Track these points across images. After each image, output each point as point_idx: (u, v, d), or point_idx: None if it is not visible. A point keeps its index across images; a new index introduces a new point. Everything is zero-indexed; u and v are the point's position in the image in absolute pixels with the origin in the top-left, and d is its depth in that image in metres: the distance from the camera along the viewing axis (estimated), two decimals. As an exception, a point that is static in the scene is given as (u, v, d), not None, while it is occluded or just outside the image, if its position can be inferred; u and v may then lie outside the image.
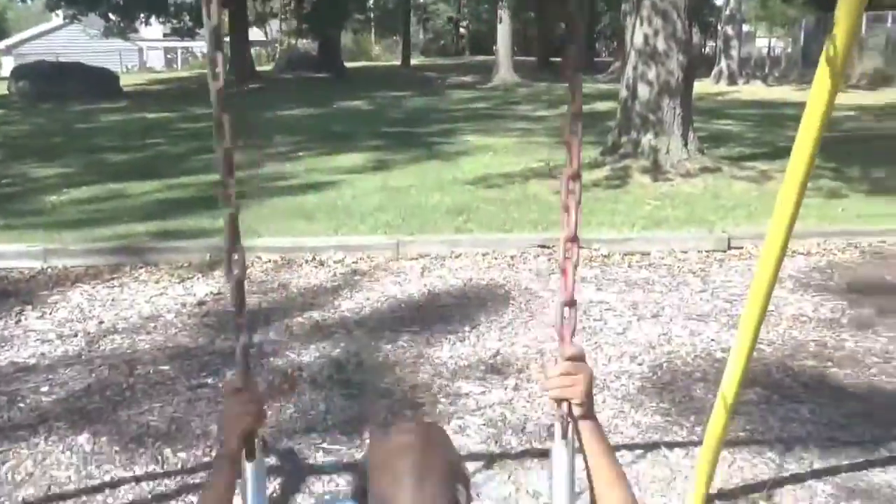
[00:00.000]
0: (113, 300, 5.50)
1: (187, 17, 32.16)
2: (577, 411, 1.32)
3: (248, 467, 1.28)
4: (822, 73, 2.23)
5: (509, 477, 3.32)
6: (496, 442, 3.59)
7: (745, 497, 3.15)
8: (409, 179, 9.38)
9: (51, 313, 5.25)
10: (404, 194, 8.55)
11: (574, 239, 1.29)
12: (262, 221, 7.09)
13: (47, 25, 53.48)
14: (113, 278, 5.96)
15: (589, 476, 1.37)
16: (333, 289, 5.72)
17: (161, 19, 32.77)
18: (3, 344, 4.74)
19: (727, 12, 29.56)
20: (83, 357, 4.54)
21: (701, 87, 26.71)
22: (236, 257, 1.21)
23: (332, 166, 10.35)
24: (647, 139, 9.44)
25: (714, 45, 33.96)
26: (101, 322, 5.09)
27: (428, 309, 5.33)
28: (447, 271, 6.09)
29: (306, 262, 6.26)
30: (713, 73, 29.05)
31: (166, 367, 4.37)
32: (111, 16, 29.81)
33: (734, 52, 28.60)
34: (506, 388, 4.12)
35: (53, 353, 4.60)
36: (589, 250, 6.56)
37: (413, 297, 5.55)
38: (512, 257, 6.43)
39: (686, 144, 9.50)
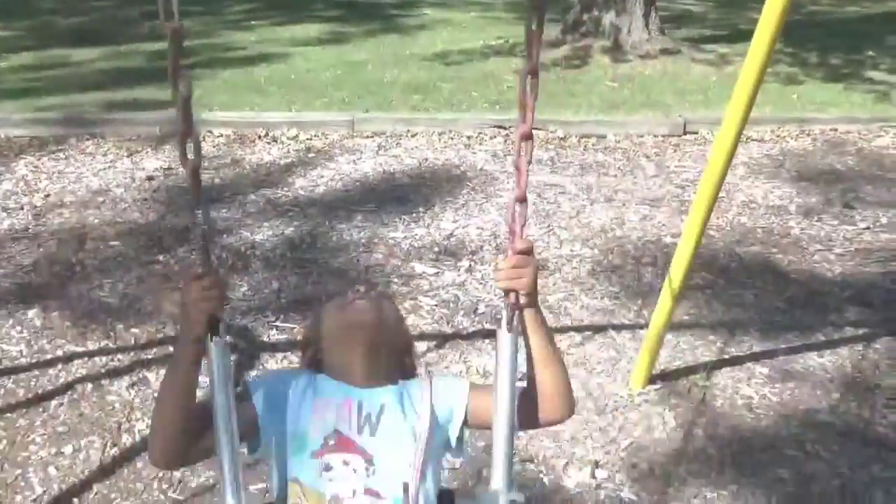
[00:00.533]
0: (59, 172, 5.36)
1: None
2: (523, 300, 1.38)
3: (214, 349, 1.28)
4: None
5: (460, 356, 3.40)
6: (448, 322, 3.66)
7: (686, 378, 3.27)
8: (365, 54, 9.12)
9: (-5, 184, 5.13)
10: (360, 69, 8.34)
11: (529, 136, 1.30)
12: (214, 94, 6.89)
13: None
14: (59, 150, 5.79)
15: (529, 358, 1.46)
16: (287, 166, 5.63)
17: None
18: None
19: None
20: (30, 231, 4.46)
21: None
22: (191, 143, 1.15)
23: (285, 37, 9.96)
24: (609, 17, 9.26)
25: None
26: (48, 195, 4.98)
27: (383, 188, 5.30)
28: (403, 150, 6.03)
29: (259, 137, 6.13)
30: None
31: (116, 243, 4.32)
32: None
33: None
34: (459, 270, 4.17)
35: (-1, 226, 4.52)
36: (545, 132, 6.52)
37: (368, 177, 5.50)
38: (468, 137, 6.37)
39: (647, 24, 9.35)
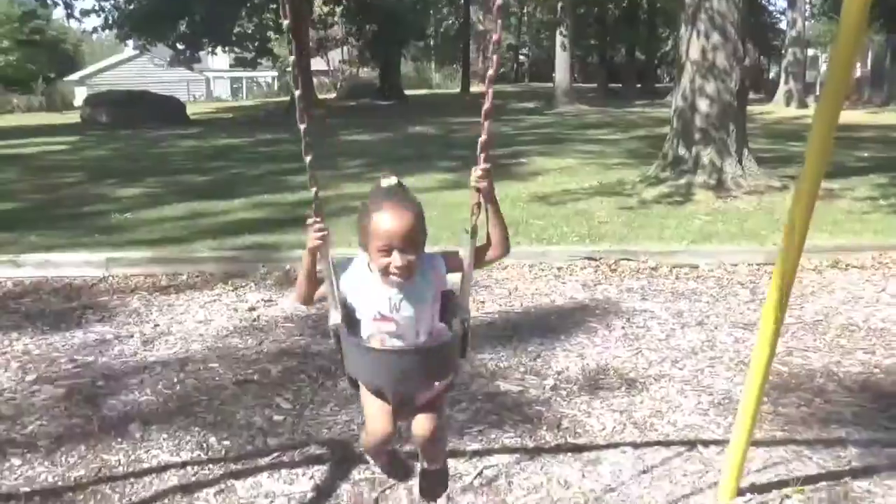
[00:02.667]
0: (169, 305, 5.71)
1: (250, 47, 33.06)
2: (485, 193, 2.28)
3: (328, 262, 2.32)
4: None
5: (541, 468, 3.36)
6: (531, 437, 3.64)
7: (778, 490, 3.13)
8: (463, 197, 9.50)
9: (110, 317, 5.49)
10: (457, 210, 8.66)
11: (493, 81, 2.25)
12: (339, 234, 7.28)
13: (118, 57, 55.64)
14: (171, 286, 6.19)
15: (489, 224, 2.34)
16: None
17: (226, 50, 33.76)
18: (64, 343, 4.96)
19: (793, 33, 29.24)
20: (137, 356, 4.73)
21: (769, 109, 26.50)
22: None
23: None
24: (708, 155, 9.41)
25: (778, 68, 33.49)
26: (157, 325, 5.30)
27: (474, 318, 5.40)
28: (493, 281, 6.16)
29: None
30: (779, 95, 28.74)
31: (215, 365, 4.53)
32: (178, 45, 30.82)
33: (800, 75, 28.22)
34: (544, 388, 4.17)
35: (110, 351, 4.81)
36: (637, 262, 6.57)
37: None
38: (559, 269, 6.47)
39: (740, 161, 9.45)
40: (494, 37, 2.16)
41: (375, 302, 2.33)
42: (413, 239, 2.21)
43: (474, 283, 6.17)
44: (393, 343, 2.36)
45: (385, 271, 2.24)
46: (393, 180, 2.32)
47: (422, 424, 2.51)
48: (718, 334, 5.00)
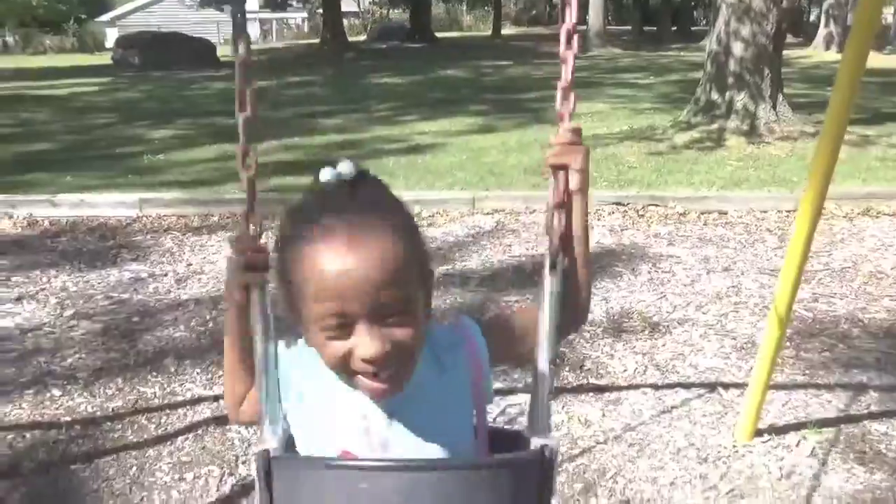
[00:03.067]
0: (201, 246, 5.83)
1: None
2: (573, 179, 1.24)
3: (257, 313, 1.22)
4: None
5: (562, 407, 3.44)
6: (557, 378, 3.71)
7: (796, 432, 3.18)
8: (492, 141, 9.49)
9: (144, 256, 5.61)
10: (483, 154, 8.68)
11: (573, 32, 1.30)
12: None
13: (148, -1, 55.46)
14: (202, 227, 6.30)
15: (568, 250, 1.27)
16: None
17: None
18: (101, 281, 5.10)
19: (833, -24, 28.42)
20: (171, 294, 4.86)
21: (807, 53, 25.92)
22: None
23: (435, 130, 10.58)
24: (741, 100, 9.27)
25: (819, 10, 32.62)
26: (190, 264, 5.42)
27: (499, 259, 5.46)
28: (521, 226, 6.19)
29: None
30: (819, 38, 28.09)
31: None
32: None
33: (841, 18, 27.49)
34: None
35: (145, 289, 4.94)
36: (664, 208, 6.56)
37: (486, 249, 5.68)
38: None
39: (775, 106, 9.31)
40: None
41: (341, 424, 1.23)
42: (396, 293, 1.09)
43: (500, 226, 6.22)
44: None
45: (344, 370, 1.14)
46: (347, 167, 1.20)
47: None
48: (744, 280, 5.01)
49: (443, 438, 1.22)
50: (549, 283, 1.21)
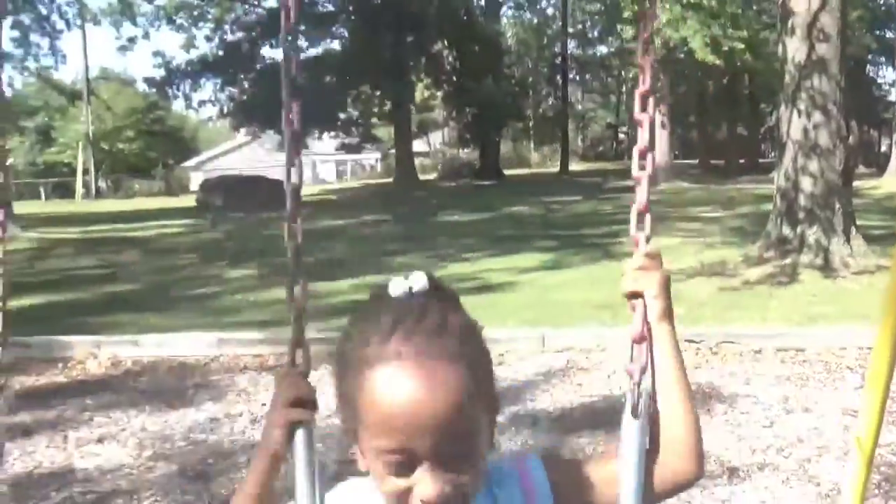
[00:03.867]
0: (276, 385, 5.94)
1: (354, 132, 34.30)
2: (652, 306, 1.15)
3: (301, 460, 1.11)
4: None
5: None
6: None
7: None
8: (562, 277, 9.58)
9: (220, 396, 5.75)
10: (553, 291, 8.74)
11: (650, 149, 1.24)
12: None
13: (231, 144, 58.70)
14: (277, 366, 6.43)
15: (654, 389, 1.16)
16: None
17: (331, 134, 35.13)
18: (178, 421, 5.22)
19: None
20: (246, 434, 4.94)
21: (880, 183, 25.68)
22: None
23: (504, 267, 10.76)
24: (814, 234, 9.22)
25: (890, 141, 32.49)
26: (264, 404, 5.51)
27: (570, 399, 5.42)
28: (591, 364, 6.16)
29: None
30: (892, 168, 27.91)
31: (319, 445, 4.67)
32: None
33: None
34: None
35: (220, 430, 5.03)
36: (739, 345, 6.45)
37: (556, 388, 5.65)
38: (658, 351, 6.41)
39: (848, 241, 9.21)
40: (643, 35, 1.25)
41: None
42: (463, 435, 1.01)
43: (570, 365, 6.16)
44: None
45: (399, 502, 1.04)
46: (420, 282, 1.09)
47: None
48: (826, 421, 4.85)
49: None
50: (631, 429, 1.09)
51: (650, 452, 1.11)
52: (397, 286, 1.09)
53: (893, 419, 4.70)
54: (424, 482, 1.00)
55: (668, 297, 1.18)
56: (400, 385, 0.99)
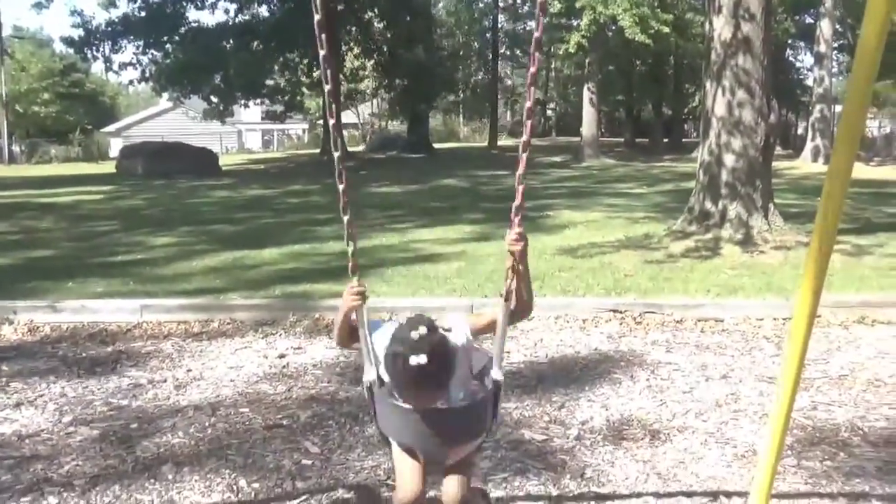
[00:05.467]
0: (201, 352, 5.85)
1: (281, 101, 33.71)
2: (519, 256, 2.45)
3: (363, 321, 2.57)
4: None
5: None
6: (555, 485, 3.68)
7: (800, 543, 3.15)
8: (490, 249, 9.63)
9: (144, 362, 5.62)
10: (482, 262, 8.79)
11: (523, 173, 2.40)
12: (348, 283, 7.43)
13: (153, 110, 57.13)
14: (202, 333, 6.33)
15: (517, 288, 2.54)
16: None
17: (258, 103, 34.45)
18: (100, 387, 5.09)
19: (820, 90, 29.38)
20: (171, 400, 4.85)
21: (796, 165, 26.55)
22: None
23: (433, 238, 10.75)
24: (735, 209, 9.47)
25: (806, 124, 33.56)
26: (189, 370, 5.43)
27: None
28: (519, 332, 6.23)
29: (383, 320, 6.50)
30: (807, 150, 28.83)
31: (245, 410, 4.64)
32: (212, 98, 31.54)
33: (827, 131, 28.31)
34: (567, 438, 4.22)
35: (144, 395, 4.93)
36: (662, 315, 6.61)
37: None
38: (584, 321, 6.53)
39: (767, 217, 9.50)
40: (527, 104, 2.21)
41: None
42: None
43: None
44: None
45: None
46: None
47: (451, 488, 2.60)
48: (743, 388, 5.02)
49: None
50: (504, 305, 2.54)
51: (513, 312, 2.60)
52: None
53: (805, 385, 4.90)
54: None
55: (525, 252, 2.49)
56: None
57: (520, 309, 2.57)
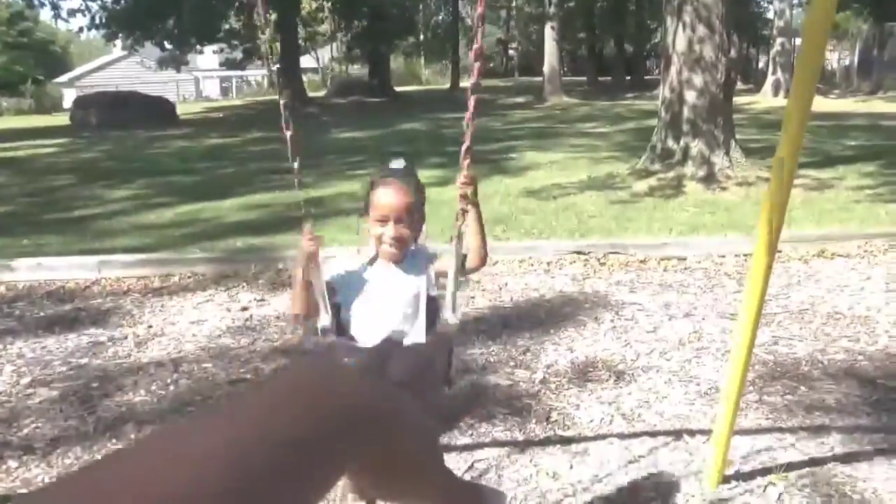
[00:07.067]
0: (161, 307, 5.76)
1: (238, 45, 32.97)
2: (471, 201, 2.38)
3: (318, 265, 2.40)
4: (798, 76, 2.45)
5: (530, 461, 3.42)
6: (521, 430, 3.69)
7: (763, 477, 3.19)
8: (453, 193, 9.56)
9: (103, 319, 5.53)
10: (446, 207, 8.72)
11: (476, 89, 2.14)
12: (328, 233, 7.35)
13: (107, 58, 55.59)
14: (162, 288, 6.23)
15: (470, 232, 2.47)
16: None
17: (215, 51, 33.66)
18: (58, 346, 5.00)
19: (780, 23, 29.34)
20: (132, 357, 4.78)
21: (757, 99, 26.62)
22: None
23: None
24: (696, 146, 9.48)
25: (766, 58, 33.59)
26: (150, 326, 5.34)
27: (464, 313, 5.46)
28: (483, 276, 6.21)
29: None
30: (767, 85, 28.89)
31: (208, 365, 4.58)
32: (166, 45, 30.72)
33: (788, 65, 28.35)
34: (533, 382, 4.23)
35: (104, 353, 4.85)
36: (625, 255, 6.63)
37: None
38: (548, 263, 6.53)
39: (728, 153, 9.53)
40: (475, 45, 2.08)
41: (363, 286, 2.52)
42: (407, 215, 2.44)
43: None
44: (377, 330, 2.48)
45: (379, 240, 2.47)
46: (401, 163, 2.53)
47: None
48: (706, 325, 5.07)
49: (406, 290, 2.52)
50: (455, 244, 2.33)
51: (467, 257, 2.50)
52: (394, 162, 2.53)
53: (766, 321, 4.96)
54: (389, 229, 2.44)
55: (477, 198, 2.43)
56: (389, 190, 2.44)
57: (472, 258, 2.52)
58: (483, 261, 2.56)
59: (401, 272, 2.53)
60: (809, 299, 5.54)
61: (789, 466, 3.27)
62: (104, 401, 4.15)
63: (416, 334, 2.50)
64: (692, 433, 3.61)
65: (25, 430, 3.83)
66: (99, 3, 29.67)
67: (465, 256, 2.47)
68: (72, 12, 30.10)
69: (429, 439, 0.57)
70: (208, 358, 4.72)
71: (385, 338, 0.68)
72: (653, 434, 3.62)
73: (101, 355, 4.82)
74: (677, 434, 3.62)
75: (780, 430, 3.63)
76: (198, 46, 31.99)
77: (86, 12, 29.78)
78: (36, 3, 29.96)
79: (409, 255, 2.54)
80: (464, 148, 2.23)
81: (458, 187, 2.33)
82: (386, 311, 2.49)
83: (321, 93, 38.47)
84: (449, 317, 2.41)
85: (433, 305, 2.54)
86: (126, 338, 5.13)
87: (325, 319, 2.45)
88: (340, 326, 2.51)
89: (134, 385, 4.35)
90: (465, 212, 2.36)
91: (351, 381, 0.52)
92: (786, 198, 2.67)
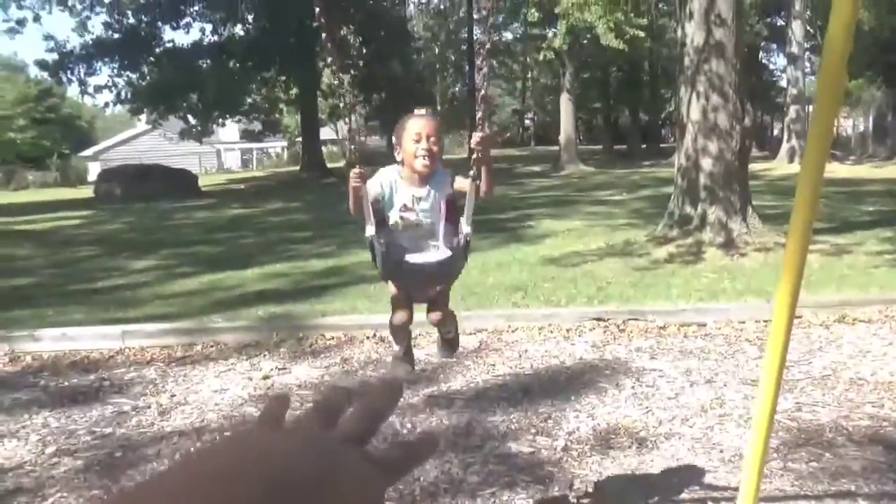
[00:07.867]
0: (185, 376, 5.81)
1: (259, 118, 33.65)
2: (483, 157, 3.16)
3: (365, 193, 3.25)
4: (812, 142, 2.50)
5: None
6: (542, 498, 3.68)
7: (789, 546, 3.16)
8: (473, 262, 9.63)
9: (127, 388, 5.58)
10: (466, 275, 8.78)
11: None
12: (329, 304, 7.40)
13: (131, 132, 56.77)
14: (185, 357, 6.29)
15: (480, 176, 3.21)
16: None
17: (235, 119, 34.34)
18: (83, 416, 5.05)
19: (794, 91, 29.66)
20: (155, 426, 4.81)
21: (772, 166, 26.75)
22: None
23: None
24: (714, 213, 9.54)
25: (781, 125, 33.87)
26: (173, 395, 5.39)
27: (483, 378, 5.47)
28: (503, 344, 6.24)
29: (367, 338, 6.49)
30: (783, 152, 29.07)
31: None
32: (189, 118, 31.39)
33: (802, 132, 28.57)
34: (555, 449, 4.22)
35: (128, 422, 4.89)
36: (645, 322, 6.64)
37: (469, 368, 5.70)
38: (567, 330, 6.55)
39: (745, 219, 9.58)
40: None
41: (401, 197, 3.35)
42: (436, 135, 3.26)
43: (483, 346, 6.10)
44: (412, 235, 3.41)
45: (413, 156, 3.25)
46: (423, 111, 3.38)
47: (435, 313, 3.69)
48: (727, 391, 5.05)
49: (435, 203, 3.38)
50: (472, 185, 3.21)
51: (479, 188, 3.22)
52: (419, 112, 3.38)
53: (789, 387, 4.94)
54: (423, 143, 3.25)
55: (490, 153, 3.21)
56: (421, 118, 3.32)
57: (484, 189, 3.23)
58: (489, 195, 3.27)
59: (429, 191, 3.32)
60: (832, 365, 5.52)
61: (816, 534, 3.24)
62: (128, 470, 4.17)
63: (444, 236, 3.39)
64: (717, 501, 3.59)
65: (50, 500, 3.86)
66: (124, 79, 30.53)
67: (477, 186, 3.21)
68: (98, 88, 30.96)
69: (372, 493, 0.59)
70: (231, 427, 4.74)
71: (337, 388, 0.71)
72: (677, 503, 3.60)
73: (125, 424, 4.86)
74: (702, 502, 3.59)
75: (806, 497, 3.60)
76: (220, 120, 32.70)
77: (112, 88, 30.62)
78: (64, 80, 30.84)
79: (436, 173, 3.32)
80: (479, 115, 3.17)
81: (473, 144, 3.15)
82: (420, 214, 3.35)
83: (340, 164, 39.02)
84: (465, 228, 3.28)
85: (454, 214, 3.36)
86: (149, 407, 5.17)
87: (369, 230, 3.28)
88: (386, 228, 3.35)
89: (157, 454, 4.38)
90: (479, 160, 3.16)
91: (281, 447, 0.56)
92: (803, 259, 2.69)
